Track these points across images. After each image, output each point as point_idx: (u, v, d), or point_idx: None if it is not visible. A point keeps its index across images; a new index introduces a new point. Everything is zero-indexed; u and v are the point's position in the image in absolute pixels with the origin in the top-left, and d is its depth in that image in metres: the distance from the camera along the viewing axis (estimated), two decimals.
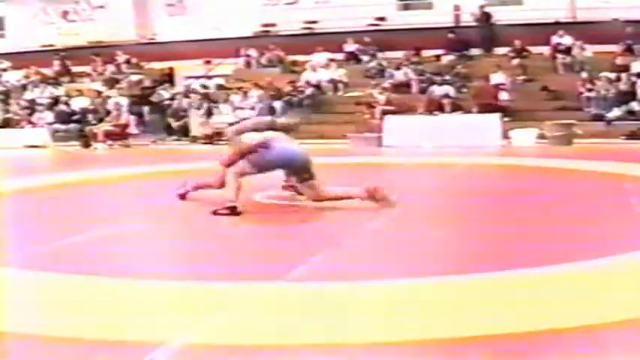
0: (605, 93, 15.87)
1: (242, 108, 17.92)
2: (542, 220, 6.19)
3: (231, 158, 6.68)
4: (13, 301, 3.85)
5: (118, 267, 4.82)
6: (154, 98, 19.19)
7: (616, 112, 15.43)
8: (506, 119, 15.52)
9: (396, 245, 5.35)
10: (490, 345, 3.13)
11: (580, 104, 16.16)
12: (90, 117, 18.32)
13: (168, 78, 20.95)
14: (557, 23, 18.63)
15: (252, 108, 17.96)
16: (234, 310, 3.67)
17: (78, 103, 19.31)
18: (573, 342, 3.16)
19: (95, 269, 4.62)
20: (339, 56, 20.04)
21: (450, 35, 19.14)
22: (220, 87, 19.95)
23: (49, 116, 19.01)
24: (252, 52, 20.68)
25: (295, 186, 7.27)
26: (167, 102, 19.02)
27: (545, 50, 18.33)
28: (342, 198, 6.82)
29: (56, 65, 21.84)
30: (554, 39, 18.18)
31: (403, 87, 18.03)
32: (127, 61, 21.38)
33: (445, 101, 16.44)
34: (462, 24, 19.90)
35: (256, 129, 6.95)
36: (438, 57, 19.13)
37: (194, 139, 17.34)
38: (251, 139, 6.73)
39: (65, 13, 24.07)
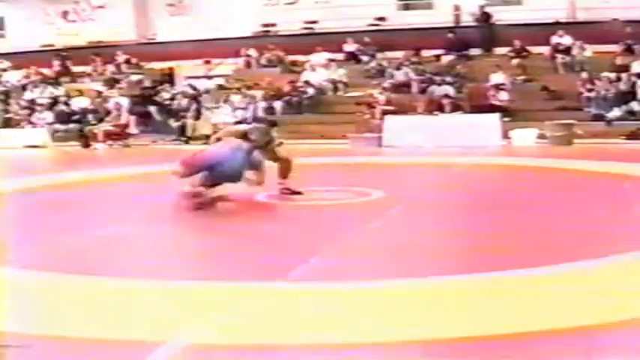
0: (605, 93, 15.86)
1: (243, 108, 17.92)
2: (542, 220, 6.19)
3: (184, 172, 6.97)
4: (13, 301, 3.85)
5: (118, 267, 4.83)
6: (158, 98, 19.17)
7: (616, 112, 15.42)
8: (506, 119, 15.50)
9: (396, 245, 5.35)
10: (490, 345, 3.14)
11: (580, 104, 16.14)
12: (90, 117, 18.31)
13: (169, 78, 20.93)
14: (557, 23, 18.61)
15: (255, 108, 17.96)
16: (234, 310, 3.67)
17: (78, 103, 19.30)
18: (573, 342, 3.17)
19: (95, 269, 4.62)
20: (339, 56, 20.03)
21: (450, 35, 19.13)
22: (220, 87, 19.93)
23: (49, 116, 19.00)
24: (252, 52, 20.67)
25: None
26: (167, 102, 19.00)
27: (545, 50, 18.31)
28: None
29: (56, 65, 21.84)
30: (554, 39, 18.16)
31: (403, 87, 18.03)
32: (127, 61, 21.37)
33: (445, 101, 16.44)
34: (462, 24, 19.89)
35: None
36: (437, 57, 19.12)
37: (187, 140, 17.29)
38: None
39: (65, 13, 24.05)
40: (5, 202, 7.90)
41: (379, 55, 19.57)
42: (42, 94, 20.26)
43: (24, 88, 20.99)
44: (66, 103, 19.40)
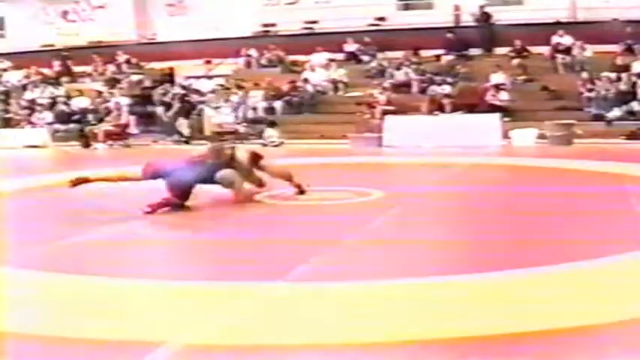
0: (605, 93, 15.86)
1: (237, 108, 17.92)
2: (542, 220, 6.19)
3: (142, 177, 7.27)
4: (13, 301, 3.86)
5: (118, 267, 4.83)
6: (166, 98, 19.13)
7: (616, 112, 15.42)
8: (506, 119, 15.51)
9: (396, 245, 5.35)
10: (490, 345, 3.14)
11: (580, 104, 16.14)
12: (90, 117, 18.31)
13: (169, 78, 20.93)
14: (557, 23, 18.61)
15: (254, 108, 17.97)
16: (234, 310, 3.68)
17: (78, 103, 19.30)
18: (573, 342, 3.17)
19: (95, 269, 4.62)
20: (339, 56, 20.04)
21: (449, 35, 19.14)
22: (220, 87, 19.93)
23: (49, 116, 19.00)
24: (252, 52, 20.68)
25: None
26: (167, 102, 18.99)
27: (546, 50, 18.31)
28: None
29: (56, 65, 21.84)
30: (554, 39, 18.16)
31: (403, 87, 18.03)
32: (128, 61, 21.38)
33: (445, 101, 16.44)
34: (462, 24, 19.89)
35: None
36: (438, 57, 19.12)
37: (187, 140, 17.26)
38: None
39: (65, 13, 24.05)
40: (5, 202, 7.90)
41: (379, 55, 19.57)
42: (42, 94, 20.26)
43: (24, 88, 20.99)
44: (66, 103, 19.40)
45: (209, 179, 7.12)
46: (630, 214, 6.31)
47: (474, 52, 19.22)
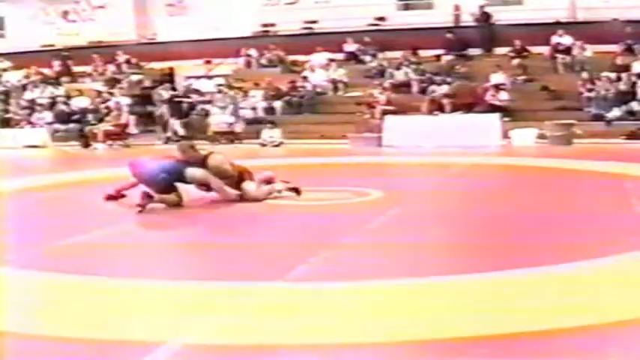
0: (605, 93, 15.86)
1: (243, 108, 17.92)
2: (542, 220, 6.18)
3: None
4: (13, 301, 3.86)
5: (118, 267, 4.83)
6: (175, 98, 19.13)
7: (616, 112, 15.42)
8: (506, 119, 15.52)
9: (396, 245, 5.34)
10: (490, 345, 3.14)
11: (580, 104, 16.15)
12: (90, 117, 18.31)
13: (169, 78, 20.93)
14: (557, 23, 18.61)
15: (254, 108, 17.96)
16: (234, 310, 3.67)
17: (78, 103, 19.30)
18: (573, 342, 3.16)
19: (95, 269, 4.62)
20: (339, 56, 20.04)
21: (449, 35, 19.14)
22: (227, 86, 19.92)
23: (49, 116, 19.00)
24: (252, 52, 20.68)
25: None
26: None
27: (545, 50, 18.31)
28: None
29: (56, 65, 21.84)
30: (554, 39, 18.16)
31: (403, 87, 18.03)
32: (127, 61, 21.38)
33: (445, 101, 16.44)
34: (462, 24, 19.89)
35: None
36: (438, 57, 19.13)
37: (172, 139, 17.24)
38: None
39: (65, 13, 24.05)
40: (5, 202, 7.90)
41: (379, 55, 19.57)
42: (42, 94, 20.26)
43: (24, 88, 20.99)
44: (66, 103, 19.40)
45: (180, 177, 7.11)
46: (630, 214, 6.31)
47: (473, 52, 19.22)
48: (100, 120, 17.75)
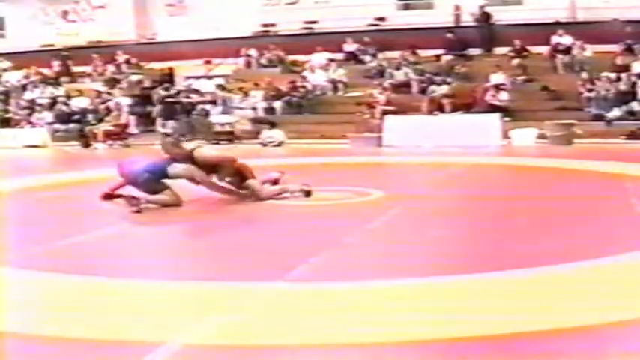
0: (605, 93, 15.87)
1: (243, 108, 17.94)
2: (542, 220, 6.19)
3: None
4: (13, 301, 3.85)
5: (118, 267, 4.83)
6: (183, 98, 19.12)
7: (616, 112, 15.43)
8: (506, 119, 15.53)
9: (396, 245, 5.34)
10: (490, 345, 3.14)
11: (580, 104, 16.15)
12: (90, 117, 18.32)
13: (169, 78, 20.94)
14: (557, 23, 18.62)
15: (254, 108, 17.97)
16: (235, 310, 3.67)
17: (78, 103, 19.30)
18: (573, 342, 3.16)
19: (95, 269, 4.62)
20: (339, 56, 20.04)
21: (449, 35, 19.14)
22: (220, 87, 19.93)
23: (49, 116, 19.01)
24: (252, 52, 20.69)
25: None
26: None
27: (545, 50, 18.31)
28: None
29: (56, 65, 21.85)
30: (554, 39, 18.17)
31: (403, 87, 18.03)
32: (127, 61, 21.39)
33: (445, 101, 16.44)
34: (462, 24, 19.89)
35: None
36: (437, 57, 19.13)
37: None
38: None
39: (65, 13, 24.06)
40: (5, 202, 7.90)
41: (379, 55, 19.58)
42: (42, 94, 20.26)
43: (24, 88, 21.00)
44: (66, 103, 19.40)
45: (165, 174, 7.10)
46: (630, 214, 6.31)
47: (473, 52, 19.22)
48: (100, 120, 17.76)
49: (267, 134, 16.05)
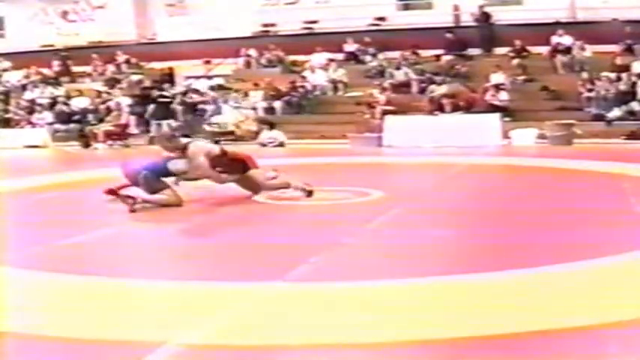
0: (605, 93, 15.86)
1: (243, 107, 17.93)
2: (542, 220, 6.19)
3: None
4: (13, 301, 3.86)
5: (118, 267, 4.83)
6: (187, 98, 19.11)
7: (616, 112, 15.42)
8: (506, 119, 15.52)
9: (396, 245, 5.35)
10: (490, 345, 3.14)
11: (580, 104, 16.15)
12: (90, 117, 18.32)
13: (169, 78, 20.93)
14: (557, 23, 18.61)
15: (254, 108, 17.96)
16: (234, 310, 3.68)
17: (78, 103, 19.30)
18: (573, 342, 3.17)
19: (95, 269, 4.62)
20: (339, 56, 20.03)
21: (449, 35, 19.13)
22: (220, 87, 19.93)
23: (49, 116, 19.00)
24: (252, 52, 20.68)
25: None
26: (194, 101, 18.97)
27: (545, 50, 18.31)
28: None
29: (56, 65, 21.84)
30: (554, 39, 18.16)
31: (403, 87, 18.03)
32: (127, 61, 21.39)
33: (445, 101, 16.44)
34: (462, 24, 19.89)
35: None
36: (437, 57, 19.13)
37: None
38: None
39: (65, 13, 24.05)
40: (5, 202, 7.90)
41: (379, 55, 19.57)
42: (42, 94, 20.26)
43: (24, 88, 20.99)
44: (66, 103, 19.40)
45: (164, 172, 7.13)
46: (630, 214, 6.31)
47: (473, 52, 19.21)
48: (101, 120, 17.76)
49: (267, 134, 16.04)
